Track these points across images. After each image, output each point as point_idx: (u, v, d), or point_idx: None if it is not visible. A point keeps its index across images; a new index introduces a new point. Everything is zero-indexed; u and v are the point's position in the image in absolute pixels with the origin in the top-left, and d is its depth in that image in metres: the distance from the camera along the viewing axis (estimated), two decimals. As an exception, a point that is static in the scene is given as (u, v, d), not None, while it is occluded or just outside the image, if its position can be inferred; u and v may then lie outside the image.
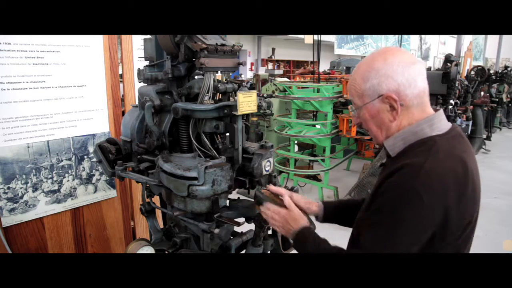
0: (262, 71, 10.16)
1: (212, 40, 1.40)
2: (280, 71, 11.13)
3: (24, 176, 2.06)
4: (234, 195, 1.53)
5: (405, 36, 10.45)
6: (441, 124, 1.05)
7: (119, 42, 2.41)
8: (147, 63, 1.66)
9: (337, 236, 1.28)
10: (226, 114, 1.39)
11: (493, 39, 17.79)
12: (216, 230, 1.38)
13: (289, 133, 5.03)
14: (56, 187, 2.20)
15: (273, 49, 14.61)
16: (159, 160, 1.43)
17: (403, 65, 1.01)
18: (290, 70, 15.05)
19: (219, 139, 1.51)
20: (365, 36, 11.30)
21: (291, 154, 5.28)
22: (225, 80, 1.55)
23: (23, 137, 2.02)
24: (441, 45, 16.72)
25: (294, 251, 1.29)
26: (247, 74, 12.30)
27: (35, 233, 2.14)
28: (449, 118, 5.19)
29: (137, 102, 1.65)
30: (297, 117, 5.44)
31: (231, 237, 1.57)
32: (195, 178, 1.29)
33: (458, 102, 5.81)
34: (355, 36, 10.91)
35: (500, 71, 9.13)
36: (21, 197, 2.07)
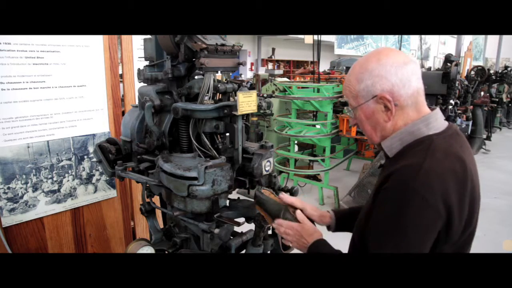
0: (262, 71, 10.16)
1: (212, 40, 1.40)
2: (280, 71, 11.13)
3: (24, 176, 2.06)
4: (234, 195, 1.53)
5: (405, 36, 10.46)
6: (437, 123, 1.04)
7: (119, 42, 2.41)
8: (147, 63, 1.66)
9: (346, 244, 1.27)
10: (226, 114, 1.39)
11: (493, 39, 17.80)
12: (216, 230, 1.38)
13: (289, 133, 5.03)
14: (56, 187, 2.20)
15: (273, 49, 14.61)
16: (159, 160, 1.43)
17: (396, 65, 1.01)
18: (290, 70, 15.05)
19: (219, 139, 1.51)
20: (365, 36, 11.31)
21: (291, 154, 5.28)
22: (225, 80, 1.55)
23: (23, 137, 2.02)
24: (441, 45, 16.75)
25: (294, 251, 1.29)
26: (247, 74, 12.30)
27: (35, 233, 2.14)
28: (449, 118, 5.19)
29: (137, 102, 1.65)
30: (297, 117, 5.44)
31: (231, 237, 1.57)
32: (195, 178, 1.29)
33: (458, 102, 5.82)
34: (355, 36, 10.93)
35: (500, 71, 9.12)
36: (21, 197, 2.07)
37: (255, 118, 4.66)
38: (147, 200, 1.76)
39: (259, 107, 1.46)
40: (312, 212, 1.34)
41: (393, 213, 0.94)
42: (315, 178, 5.43)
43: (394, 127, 1.06)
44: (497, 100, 8.88)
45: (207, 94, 1.41)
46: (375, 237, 1.00)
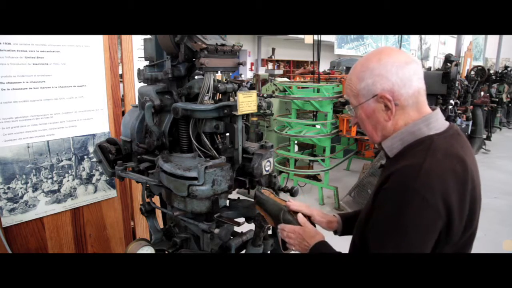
0: (262, 71, 10.16)
1: (212, 40, 1.40)
2: (280, 71, 11.14)
3: (24, 176, 2.06)
4: (234, 195, 1.53)
5: (405, 36, 10.45)
6: (438, 123, 1.04)
7: (119, 42, 2.41)
8: (147, 63, 1.66)
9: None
10: (226, 114, 1.39)
11: (493, 39, 17.80)
12: (216, 230, 1.38)
13: (289, 133, 5.03)
14: (56, 187, 2.20)
15: (273, 49, 14.61)
16: (159, 160, 1.43)
17: (397, 65, 1.01)
18: (290, 70, 15.05)
19: (219, 139, 1.51)
20: (365, 36, 11.31)
21: (291, 154, 5.28)
22: (225, 80, 1.55)
23: (23, 137, 2.02)
24: (441, 45, 16.74)
25: (294, 252, 1.29)
26: (247, 74, 12.30)
27: (35, 233, 2.14)
28: (449, 118, 5.19)
29: (137, 102, 1.65)
30: (297, 117, 5.44)
31: (231, 237, 1.57)
32: (195, 178, 1.29)
33: (458, 102, 5.82)
34: (355, 36, 10.92)
35: (500, 71, 9.13)
36: (21, 197, 2.07)
37: (255, 118, 4.67)
38: (147, 200, 1.76)
39: (259, 107, 1.46)
40: (320, 219, 1.33)
41: (393, 213, 0.94)
42: (315, 178, 5.43)
43: (395, 126, 1.06)
44: (497, 100, 8.89)
45: (207, 94, 1.41)
46: (375, 237, 1.00)
